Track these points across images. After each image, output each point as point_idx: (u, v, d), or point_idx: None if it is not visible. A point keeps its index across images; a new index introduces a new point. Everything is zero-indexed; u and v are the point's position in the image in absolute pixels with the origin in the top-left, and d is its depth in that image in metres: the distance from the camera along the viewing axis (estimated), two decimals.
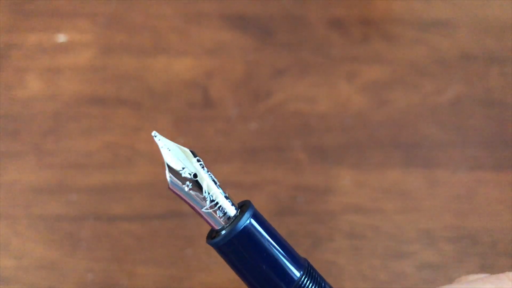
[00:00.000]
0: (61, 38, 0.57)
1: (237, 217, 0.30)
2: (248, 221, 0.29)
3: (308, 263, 0.31)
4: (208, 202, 0.29)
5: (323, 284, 0.31)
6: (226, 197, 0.30)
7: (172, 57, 0.57)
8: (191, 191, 0.29)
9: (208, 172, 0.30)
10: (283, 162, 0.53)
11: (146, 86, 0.55)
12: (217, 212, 0.30)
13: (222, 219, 0.30)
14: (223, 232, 0.29)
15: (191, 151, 0.30)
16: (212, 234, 0.31)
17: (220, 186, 0.30)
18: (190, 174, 0.29)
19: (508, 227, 0.51)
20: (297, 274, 0.30)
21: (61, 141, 0.53)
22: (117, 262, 0.48)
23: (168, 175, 0.29)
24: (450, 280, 0.32)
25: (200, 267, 0.48)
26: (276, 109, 0.55)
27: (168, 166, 0.29)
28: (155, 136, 0.29)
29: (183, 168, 0.29)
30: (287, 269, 0.30)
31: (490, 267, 0.49)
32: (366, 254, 0.49)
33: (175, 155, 0.29)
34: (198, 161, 0.30)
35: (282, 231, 0.32)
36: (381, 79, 0.57)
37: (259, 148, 0.53)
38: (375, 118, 0.55)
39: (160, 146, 0.29)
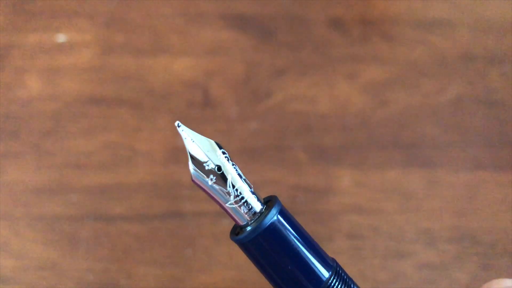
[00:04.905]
0: (61, 38, 0.57)
1: (263, 213, 0.28)
2: (275, 218, 0.28)
3: (337, 263, 0.30)
4: (232, 196, 0.28)
5: (352, 285, 0.30)
6: (252, 192, 0.29)
7: (172, 57, 0.57)
8: (215, 184, 0.28)
9: (233, 165, 0.28)
10: (283, 162, 0.53)
11: (146, 86, 0.55)
12: (242, 207, 0.28)
13: (247, 214, 0.28)
14: (248, 228, 0.28)
15: (216, 143, 0.28)
16: (236, 230, 0.29)
17: (246, 180, 0.29)
18: (214, 167, 0.28)
19: (508, 227, 0.51)
20: (326, 274, 0.29)
21: (61, 141, 0.53)
22: (117, 262, 0.48)
23: (191, 167, 0.28)
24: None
25: (200, 267, 0.48)
26: (276, 109, 0.55)
27: (192, 157, 0.28)
28: (179, 126, 0.27)
29: (207, 161, 0.28)
30: (315, 269, 0.29)
31: (490, 267, 0.49)
32: (366, 254, 0.49)
33: (199, 147, 0.28)
34: (224, 153, 0.28)
35: None
36: (381, 79, 0.57)
37: (259, 148, 0.53)
38: (375, 118, 0.55)
39: (183, 137, 0.28)
